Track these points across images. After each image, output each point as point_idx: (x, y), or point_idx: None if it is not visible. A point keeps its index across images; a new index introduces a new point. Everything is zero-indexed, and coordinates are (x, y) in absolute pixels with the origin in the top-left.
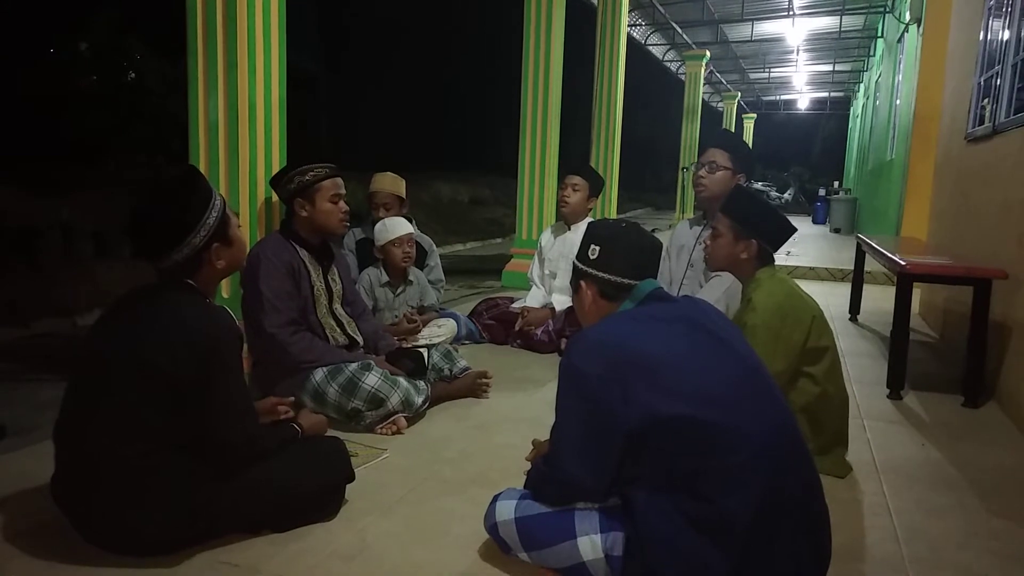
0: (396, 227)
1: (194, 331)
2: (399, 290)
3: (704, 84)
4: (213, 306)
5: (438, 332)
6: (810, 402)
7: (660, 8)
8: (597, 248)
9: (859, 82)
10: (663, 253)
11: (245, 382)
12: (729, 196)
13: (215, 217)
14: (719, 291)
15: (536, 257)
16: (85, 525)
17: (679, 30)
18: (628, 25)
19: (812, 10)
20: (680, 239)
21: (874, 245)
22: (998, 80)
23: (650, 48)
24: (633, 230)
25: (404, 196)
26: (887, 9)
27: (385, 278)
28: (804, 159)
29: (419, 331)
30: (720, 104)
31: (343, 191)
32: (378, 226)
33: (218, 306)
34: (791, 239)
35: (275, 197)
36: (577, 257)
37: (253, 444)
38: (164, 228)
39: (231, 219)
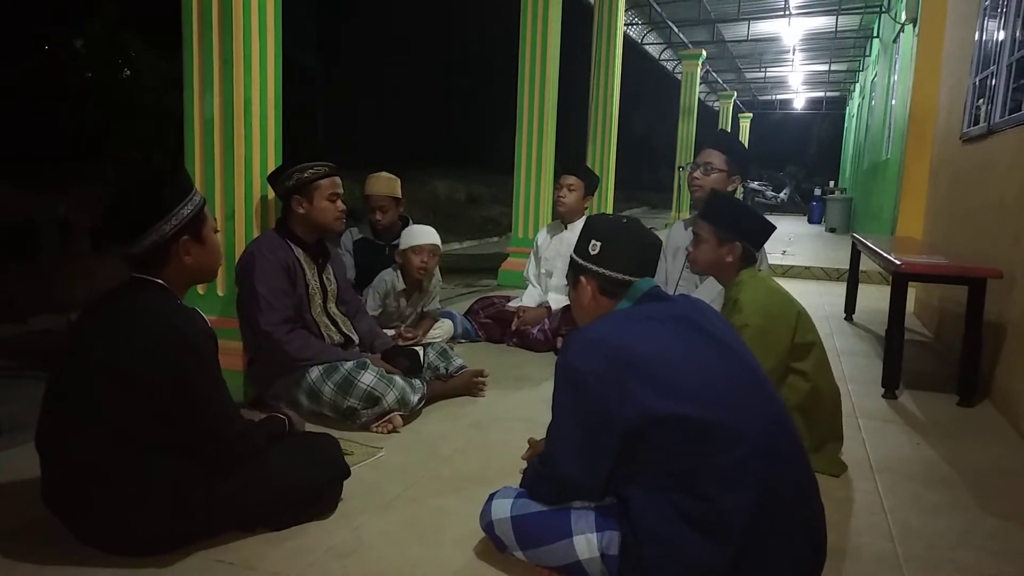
0: (422, 235)
1: (165, 334)
2: (411, 299)
3: (700, 83)
4: (184, 307)
5: (434, 331)
6: (802, 399)
7: (656, 7)
8: (599, 244)
9: (855, 82)
10: (661, 254)
11: (224, 380)
12: (707, 202)
13: (190, 210)
14: (715, 291)
15: (532, 256)
16: (79, 528)
17: (675, 29)
18: (624, 24)
19: (808, 10)
20: (676, 240)
21: (869, 245)
22: (993, 80)
23: (646, 47)
24: (634, 226)
25: (400, 196)
26: (883, 9)
27: (401, 285)
28: (800, 159)
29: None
30: (716, 103)
31: (341, 190)
32: (407, 229)
33: (189, 307)
34: (773, 237)
35: (271, 195)
36: (576, 252)
37: (242, 440)
38: (135, 211)
39: (208, 219)
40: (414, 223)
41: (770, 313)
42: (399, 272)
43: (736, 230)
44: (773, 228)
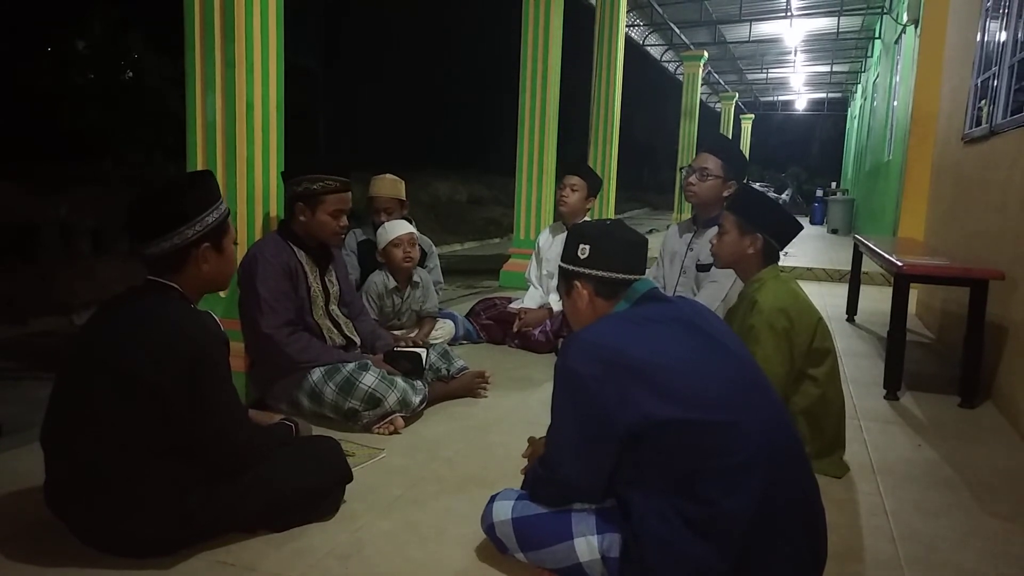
0: (396, 228)
1: (178, 338)
2: (406, 294)
3: (702, 85)
4: (196, 312)
5: (435, 332)
6: (810, 404)
7: (658, 8)
8: (587, 247)
9: (857, 83)
10: (658, 259)
11: (234, 386)
12: (734, 194)
13: (215, 218)
14: (718, 299)
15: (534, 257)
16: (81, 530)
17: (677, 31)
18: (626, 25)
19: (810, 11)
20: (671, 246)
21: (871, 246)
22: (995, 81)
23: (648, 48)
24: (619, 226)
25: (404, 198)
26: (885, 10)
27: (392, 283)
28: (802, 160)
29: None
30: (718, 105)
31: (348, 207)
32: (379, 230)
33: (203, 311)
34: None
35: (273, 197)
36: (565, 260)
37: (249, 447)
38: (161, 213)
39: (230, 230)
40: (416, 225)
41: (790, 317)
42: (387, 272)
43: (759, 222)
44: (799, 228)
